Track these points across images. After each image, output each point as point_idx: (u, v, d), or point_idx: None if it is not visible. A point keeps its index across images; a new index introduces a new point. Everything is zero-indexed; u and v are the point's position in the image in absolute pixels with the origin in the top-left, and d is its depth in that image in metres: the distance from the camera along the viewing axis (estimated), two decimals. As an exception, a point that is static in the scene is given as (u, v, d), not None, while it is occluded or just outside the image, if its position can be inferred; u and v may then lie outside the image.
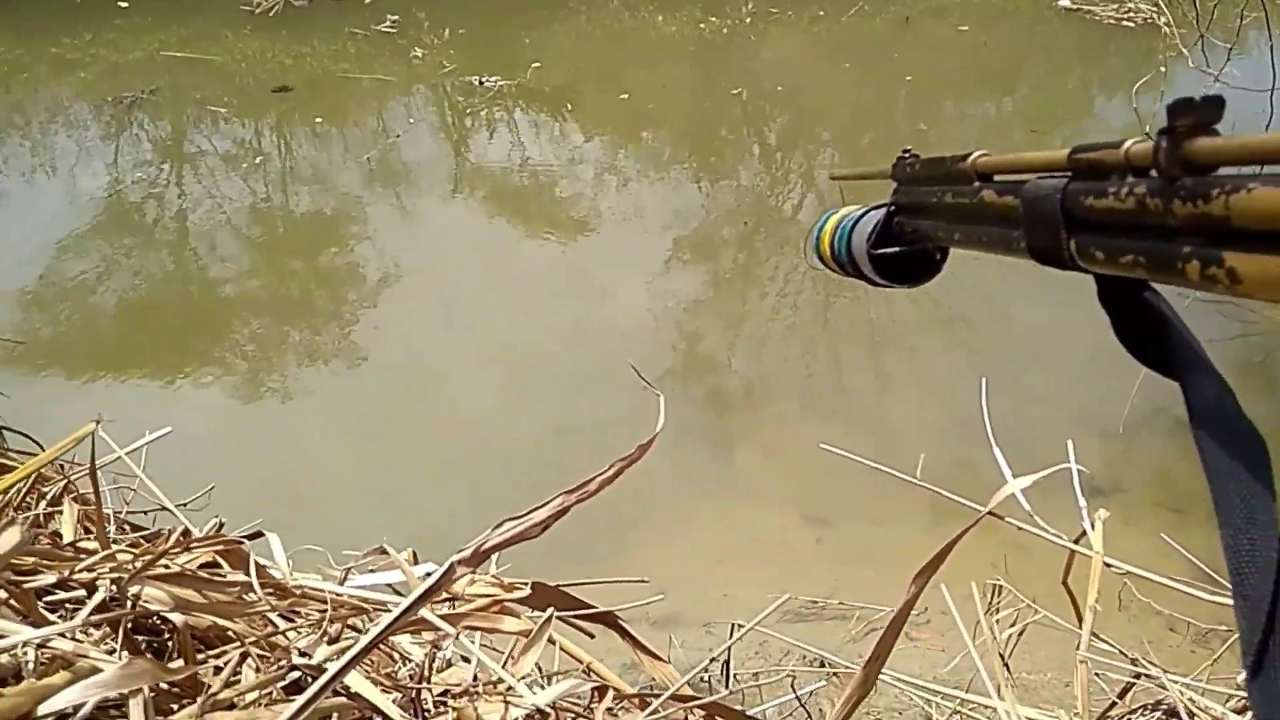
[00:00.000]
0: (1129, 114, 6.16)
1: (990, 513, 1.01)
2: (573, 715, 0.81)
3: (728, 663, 2.38)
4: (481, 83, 7.19)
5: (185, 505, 1.93)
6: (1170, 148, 0.36)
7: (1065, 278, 0.52)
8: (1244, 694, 1.36)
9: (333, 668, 0.62)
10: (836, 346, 4.24)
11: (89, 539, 0.91)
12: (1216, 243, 0.35)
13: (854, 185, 0.81)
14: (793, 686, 1.73)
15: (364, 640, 0.61)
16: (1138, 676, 1.33)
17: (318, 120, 6.85)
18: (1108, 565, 1.02)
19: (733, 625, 2.28)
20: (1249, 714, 1.24)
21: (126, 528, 1.38)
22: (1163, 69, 6.57)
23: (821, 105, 7.04)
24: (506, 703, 0.73)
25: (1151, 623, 2.60)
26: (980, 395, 1.37)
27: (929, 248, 0.68)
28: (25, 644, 0.55)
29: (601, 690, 0.81)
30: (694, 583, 2.90)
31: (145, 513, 1.60)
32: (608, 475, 0.86)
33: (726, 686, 2.39)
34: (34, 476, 0.84)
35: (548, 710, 0.73)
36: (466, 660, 0.99)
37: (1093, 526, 1.08)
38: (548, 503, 0.81)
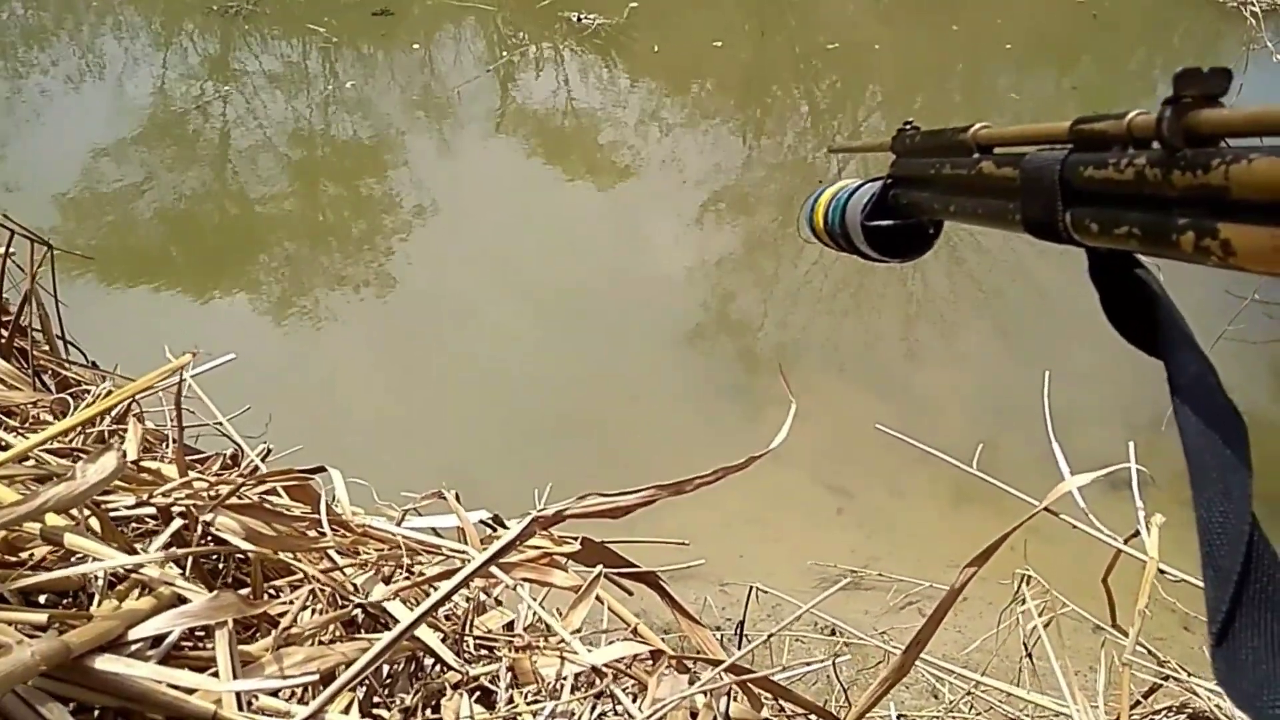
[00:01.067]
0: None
1: (1048, 509, 1.00)
2: (620, 674, 0.82)
3: (742, 624, 2.41)
4: (579, 19, 7.10)
5: (233, 418, 1.94)
6: (1174, 118, 0.36)
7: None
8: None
9: (411, 616, 0.63)
10: (870, 315, 4.21)
11: (151, 459, 0.92)
12: (1213, 214, 0.35)
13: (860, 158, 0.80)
14: (835, 662, 1.74)
15: (443, 589, 0.62)
16: (1165, 679, 1.33)
17: (414, 46, 6.78)
18: (1162, 572, 1.01)
19: (751, 588, 2.30)
20: None
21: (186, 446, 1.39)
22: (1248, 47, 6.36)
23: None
24: (563, 658, 0.74)
25: (1167, 620, 2.60)
26: (1045, 384, 1.35)
27: (922, 221, 0.67)
28: (112, 569, 0.56)
29: (657, 653, 0.81)
30: (714, 540, 2.92)
31: (192, 429, 1.61)
32: (707, 479, 0.86)
33: (738, 647, 2.42)
34: (100, 397, 0.85)
35: (604, 671, 0.74)
36: (500, 604, 1.00)
37: (1148, 531, 1.07)
38: (638, 490, 0.81)
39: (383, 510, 0.99)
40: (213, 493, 0.70)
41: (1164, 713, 1.32)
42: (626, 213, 4.99)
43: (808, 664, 1.75)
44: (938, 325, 4.15)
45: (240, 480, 0.72)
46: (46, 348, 1.26)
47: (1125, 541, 1.15)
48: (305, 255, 4.61)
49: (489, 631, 0.92)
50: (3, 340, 1.05)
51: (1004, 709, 1.86)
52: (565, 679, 0.74)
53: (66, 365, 1.20)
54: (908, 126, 0.67)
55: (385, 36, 6.89)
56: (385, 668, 0.79)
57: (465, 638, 0.87)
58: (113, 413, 0.92)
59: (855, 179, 0.74)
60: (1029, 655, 1.78)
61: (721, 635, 2.55)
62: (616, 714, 0.73)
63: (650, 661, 1.01)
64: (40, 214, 4.62)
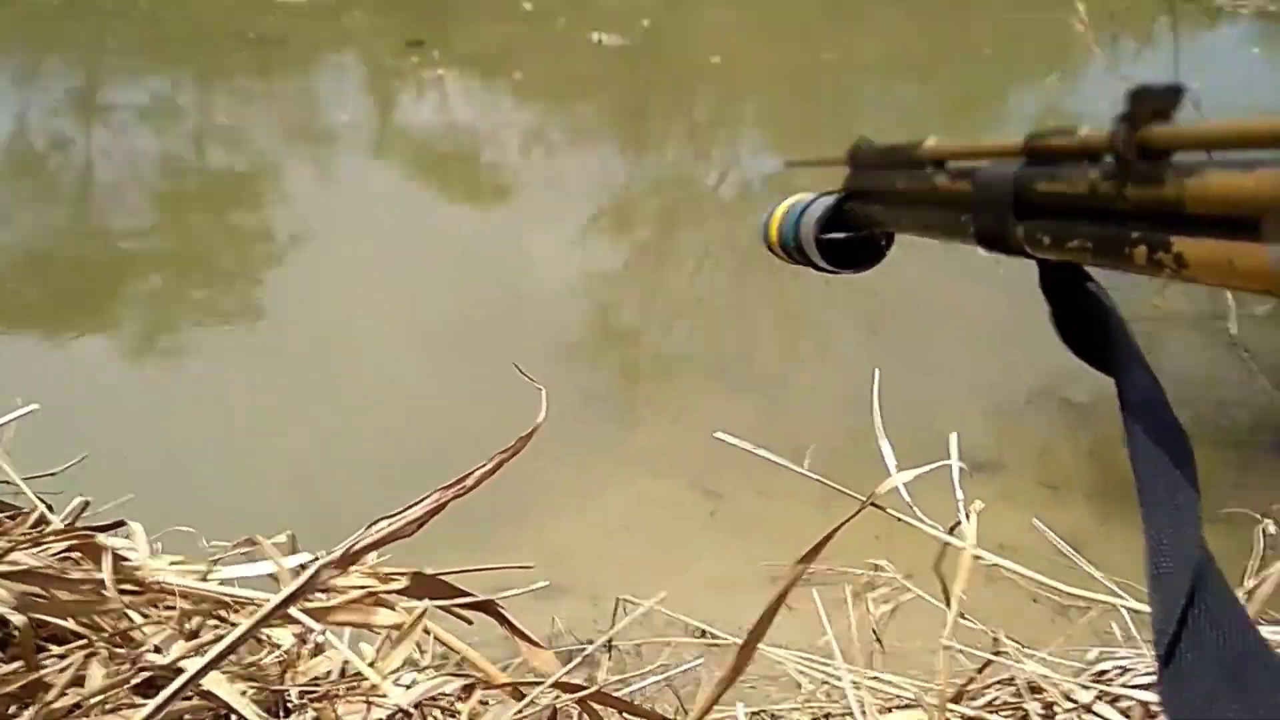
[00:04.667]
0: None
1: (873, 504, 1.05)
2: (440, 711, 0.82)
3: (610, 638, 2.42)
4: (600, 41, 7.07)
5: (53, 474, 1.85)
6: (1127, 133, 0.36)
7: (973, 255, 0.55)
8: (1091, 668, 1.45)
9: (187, 672, 0.62)
10: (750, 322, 4.31)
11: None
12: (1165, 228, 0.35)
13: (808, 173, 0.83)
14: (681, 663, 1.77)
15: (217, 648, 0.62)
16: (997, 653, 1.41)
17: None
18: (977, 558, 1.08)
19: (618, 600, 2.31)
20: (1092, 692, 1.33)
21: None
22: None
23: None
24: (369, 703, 0.74)
25: (1016, 595, 2.74)
26: (875, 381, 1.41)
27: (875, 234, 0.68)
28: None
29: (470, 687, 0.82)
30: (585, 554, 2.93)
31: (6, 483, 1.52)
32: (487, 469, 0.87)
33: (609, 658, 2.44)
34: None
35: (410, 710, 0.74)
36: (332, 648, 0.99)
37: (967, 518, 1.14)
38: (423, 499, 0.81)
39: (191, 561, 0.97)
40: (-21, 564, 0.68)
41: (994, 686, 1.40)
42: (508, 232, 4.98)
43: (664, 669, 1.77)
44: (814, 328, 4.28)
45: (10, 545, 0.70)
46: None
47: (950, 531, 1.22)
48: (171, 290, 4.44)
49: (313, 680, 0.91)
50: None
51: (858, 693, 1.94)
52: (370, 722, 0.74)
53: None
54: (862, 141, 0.68)
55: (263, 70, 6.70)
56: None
57: (285, 690, 0.86)
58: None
59: (811, 193, 0.75)
60: (878, 640, 1.85)
61: (586, 654, 2.56)
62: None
63: (495, 692, 1.01)
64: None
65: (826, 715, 1.68)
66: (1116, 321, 0.44)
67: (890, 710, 1.51)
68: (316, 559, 0.96)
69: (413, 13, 7.64)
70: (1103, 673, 1.46)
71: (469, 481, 0.94)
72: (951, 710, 1.33)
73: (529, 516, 3.03)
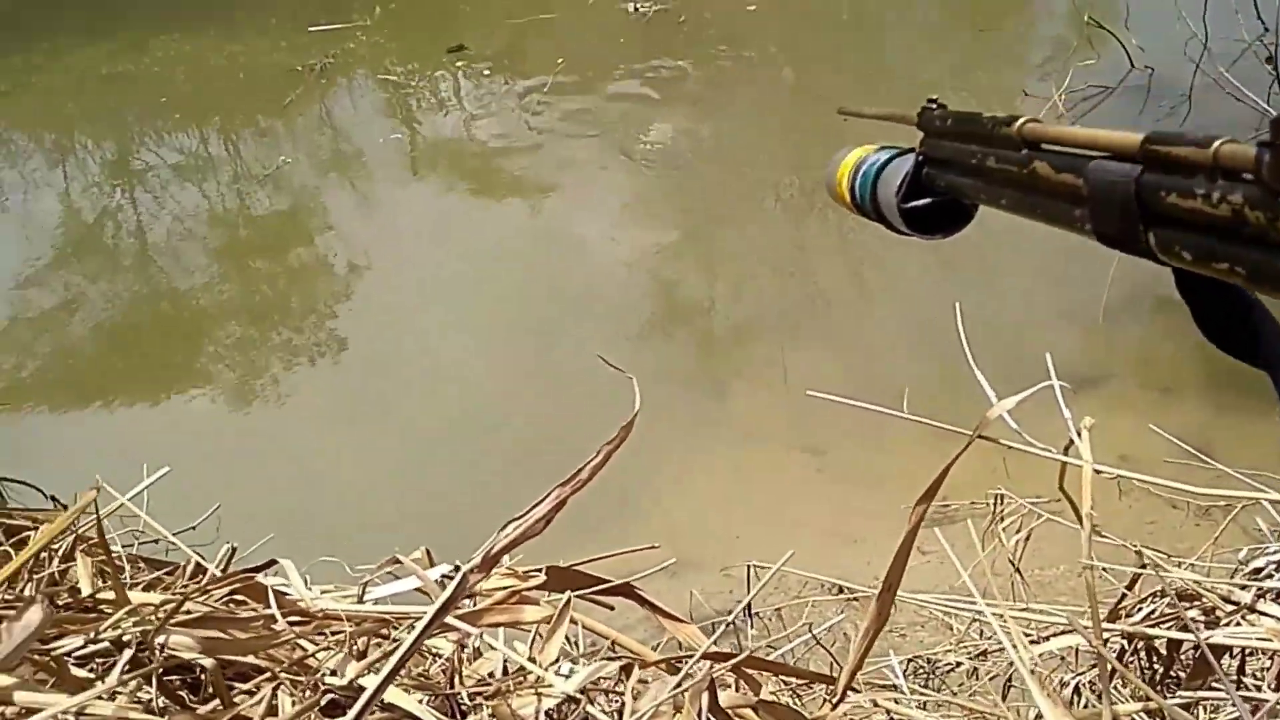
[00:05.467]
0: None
1: (982, 436, 1.03)
2: (604, 693, 0.83)
3: (749, 604, 2.43)
4: (635, 9, 7.11)
5: (194, 528, 1.94)
6: (1274, 162, 0.35)
7: None
8: (1245, 568, 1.40)
9: (367, 691, 0.64)
10: (813, 273, 4.25)
11: (107, 588, 0.92)
12: None
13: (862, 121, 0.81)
14: (809, 628, 1.77)
15: (391, 662, 0.63)
16: (1143, 567, 1.37)
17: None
18: (1097, 472, 1.04)
19: (749, 567, 2.33)
20: (1251, 591, 1.28)
21: (142, 564, 1.39)
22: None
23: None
24: (539, 694, 0.76)
25: (1152, 503, 2.67)
26: (958, 316, 1.38)
27: (960, 201, 0.67)
28: (64, 712, 0.57)
29: (628, 667, 0.83)
30: (705, 529, 2.94)
31: (156, 542, 1.61)
32: (597, 462, 0.87)
33: (750, 626, 2.45)
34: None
35: (578, 696, 0.75)
36: (491, 648, 1.01)
37: (1079, 435, 1.10)
38: (544, 499, 0.82)
39: (344, 587, 1.00)
40: (160, 614, 0.71)
41: (1150, 598, 1.35)
42: (561, 222, 4.99)
43: (810, 630, 1.77)
44: (883, 270, 4.20)
45: (183, 597, 0.73)
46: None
47: (1064, 452, 1.18)
48: (251, 337, 4.57)
49: (480, 680, 0.93)
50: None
51: (1006, 627, 1.91)
52: (545, 713, 0.76)
53: (10, 514, 1.20)
54: (933, 104, 0.66)
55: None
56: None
57: (457, 693, 0.88)
58: (59, 552, 0.92)
59: (879, 147, 0.74)
60: (1017, 571, 1.82)
61: (728, 622, 2.57)
62: (599, 735, 0.74)
63: (649, 669, 1.02)
64: (-26, 357, 4.56)
65: (983, 653, 1.66)
66: (1262, 314, 0.45)
67: (1045, 639, 1.48)
68: (458, 567, 0.98)
69: (441, 21, 7.67)
70: (1258, 570, 1.41)
71: (584, 475, 0.95)
72: (1109, 630, 1.30)
73: (640, 503, 3.06)
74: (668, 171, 5.20)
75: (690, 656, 0.94)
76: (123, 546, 1.39)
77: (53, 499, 1.89)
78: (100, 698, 0.59)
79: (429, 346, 4.14)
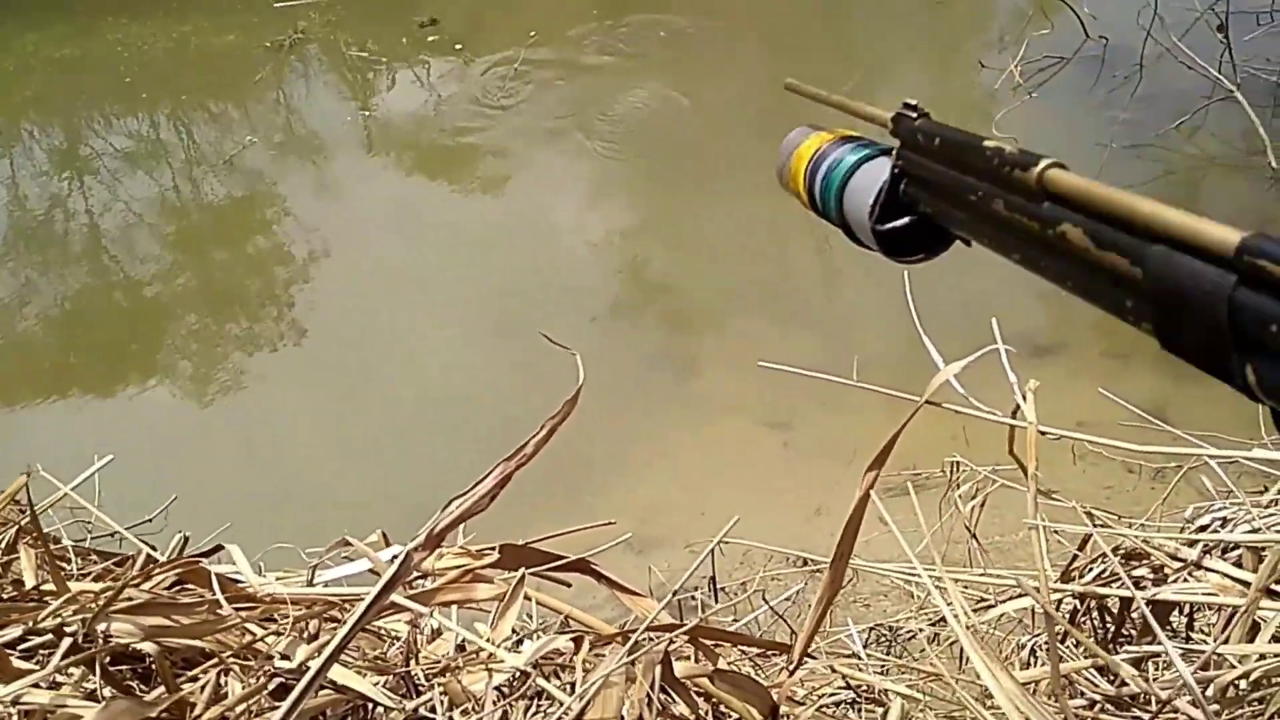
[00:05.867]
0: None
1: (929, 401, 1.04)
2: (558, 668, 0.84)
3: (714, 578, 2.45)
4: None
5: (149, 520, 1.92)
6: None
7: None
8: (1191, 525, 1.43)
9: (309, 672, 0.64)
10: (784, 250, 4.26)
11: (59, 577, 0.91)
12: None
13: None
14: (764, 598, 1.78)
15: (332, 644, 0.63)
16: (1096, 526, 1.39)
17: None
18: (1042, 433, 1.06)
19: (712, 543, 2.34)
20: (1198, 547, 1.31)
21: (95, 557, 1.37)
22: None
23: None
24: (489, 670, 0.76)
25: (1109, 468, 2.72)
26: (908, 284, 1.39)
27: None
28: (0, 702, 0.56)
29: (578, 639, 0.83)
30: (672, 505, 2.96)
31: (111, 535, 1.60)
32: (541, 436, 0.87)
33: (715, 601, 2.47)
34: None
35: (529, 670, 0.75)
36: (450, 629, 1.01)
37: (1024, 399, 1.12)
38: (488, 475, 0.82)
39: (294, 571, 0.99)
40: (100, 601, 0.70)
41: (1100, 559, 1.38)
42: (525, 202, 4.95)
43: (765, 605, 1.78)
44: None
45: (122, 584, 0.72)
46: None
47: (1012, 415, 1.20)
48: (208, 327, 4.51)
49: (436, 660, 0.93)
50: None
51: (970, 592, 1.94)
52: (497, 689, 0.76)
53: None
54: (913, 111, 0.56)
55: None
56: (330, 723, 0.80)
57: (411, 673, 0.88)
58: (2, 543, 0.91)
59: (838, 138, 0.64)
60: (974, 536, 1.85)
61: (699, 596, 2.59)
62: (551, 708, 0.75)
63: (606, 643, 1.03)
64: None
65: (941, 619, 1.68)
66: None
67: (998, 603, 1.51)
68: (403, 550, 0.98)
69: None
70: (1203, 528, 1.44)
71: (528, 449, 0.94)
72: (1060, 591, 1.32)
73: (610, 480, 3.07)
74: (637, 149, 5.17)
75: (643, 627, 0.94)
76: (73, 541, 1.37)
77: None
78: (39, 685, 0.58)
79: (393, 331, 4.10)
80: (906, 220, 0.57)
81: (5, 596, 0.92)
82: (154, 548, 1.27)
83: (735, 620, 2.45)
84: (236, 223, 5.32)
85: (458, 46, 6.53)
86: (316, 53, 6.98)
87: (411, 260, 4.53)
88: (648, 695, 0.78)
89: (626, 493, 3.07)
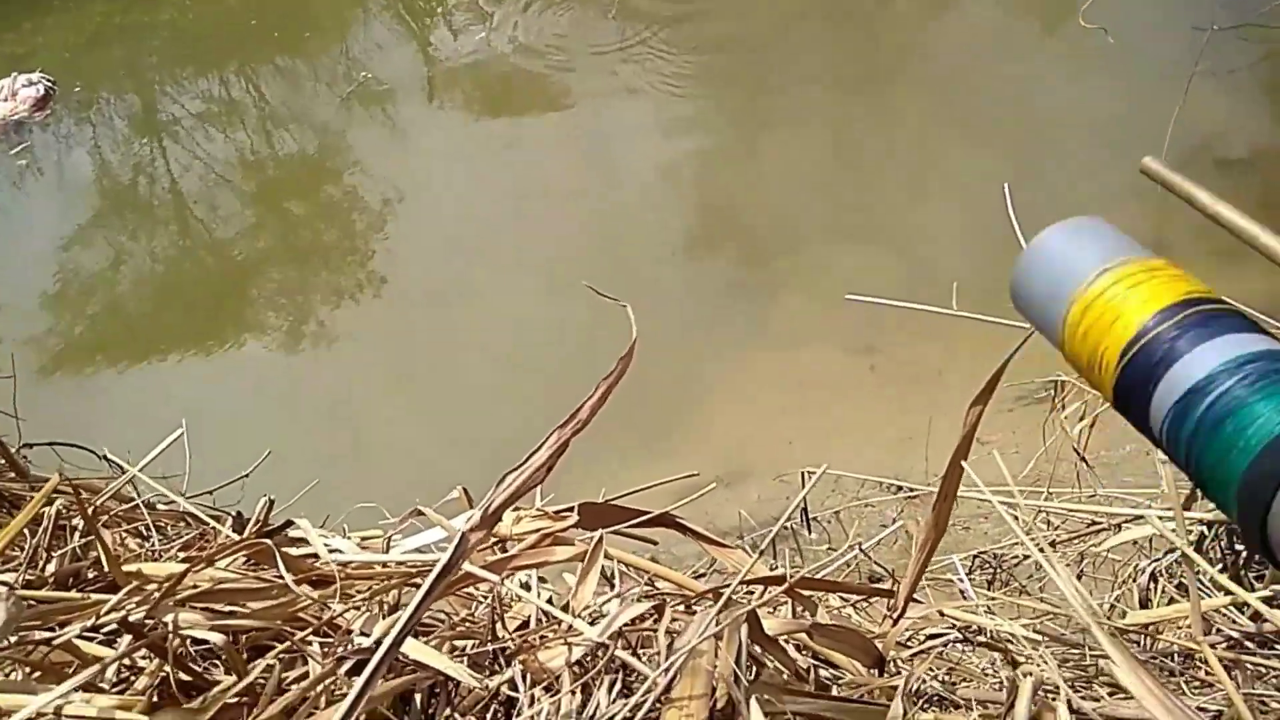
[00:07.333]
0: None
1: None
2: (640, 636, 0.79)
3: (805, 508, 2.39)
4: None
5: (247, 476, 1.94)
6: None
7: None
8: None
9: (377, 654, 0.60)
10: (859, 169, 4.08)
11: (131, 558, 0.90)
12: None
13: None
14: (860, 548, 1.71)
15: (393, 632, 0.59)
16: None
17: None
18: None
19: (802, 473, 2.27)
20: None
21: (187, 521, 1.38)
22: None
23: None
24: (568, 644, 0.72)
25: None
26: (1008, 201, 1.27)
27: None
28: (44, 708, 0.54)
29: (660, 607, 0.79)
30: (758, 437, 2.90)
31: (210, 492, 1.62)
32: (595, 400, 0.80)
33: (808, 531, 2.42)
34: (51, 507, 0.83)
35: (608, 643, 0.71)
36: (527, 588, 0.98)
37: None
38: (542, 444, 0.76)
39: (366, 543, 0.97)
40: (161, 590, 0.68)
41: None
42: (591, 139, 4.85)
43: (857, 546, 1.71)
44: (930, 158, 4.00)
45: (183, 572, 0.70)
46: (13, 475, 1.24)
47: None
48: (292, 280, 4.58)
49: (519, 625, 0.90)
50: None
51: (1079, 516, 1.83)
52: (577, 663, 0.72)
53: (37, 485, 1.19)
54: None
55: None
56: (416, 699, 0.77)
57: (503, 641, 0.85)
58: (78, 528, 0.90)
59: (1201, 318, 0.38)
60: (1083, 459, 1.74)
61: (791, 524, 2.54)
62: (636, 683, 0.70)
63: (696, 600, 0.98)
64: (31, 321, 4.64)
65: (1051, 544, 1.59)
66: None
67: (1117, 529, 1.41)
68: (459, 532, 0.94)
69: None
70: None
71: (583, 414, 0.87)
72: (1187, 519, 1.22)
73: (694, 414, 3.01)
74: (703, 80, 4.99)
75: (734, 583, 0.89)
76: (165, 504, 1.38)
77: (105, 458, 1.90)
78: (94, 684, 0.56)
79: (470, 279, 4.09)
80: None
81: (89, 576, 0.91)
82: (236, 514, 1.27)
83: (830, 548, 2.40)
84: (311, 176, 5.37)
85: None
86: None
87: (483, 206, 4.49)
88: (735, 659, 0.73)
89: (711, 426, 3.02)
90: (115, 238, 5.23)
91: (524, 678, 0.72)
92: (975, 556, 1.90)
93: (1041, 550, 1.22)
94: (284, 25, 6.74)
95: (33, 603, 0.66)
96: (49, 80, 6.16)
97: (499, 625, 0.88)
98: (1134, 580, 1.65)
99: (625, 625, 0.74)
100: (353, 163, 5.26)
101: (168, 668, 0.68)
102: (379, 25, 6.73)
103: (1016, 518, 2.13)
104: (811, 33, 5.07)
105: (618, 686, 0.70)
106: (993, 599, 1.49)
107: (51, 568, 0.85)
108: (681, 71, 4.99)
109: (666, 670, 0.66)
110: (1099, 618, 0.81)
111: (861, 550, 1.50)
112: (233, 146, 5.73)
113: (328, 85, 6.05)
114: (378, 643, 0.71)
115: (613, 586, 0.95)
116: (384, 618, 0.79)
